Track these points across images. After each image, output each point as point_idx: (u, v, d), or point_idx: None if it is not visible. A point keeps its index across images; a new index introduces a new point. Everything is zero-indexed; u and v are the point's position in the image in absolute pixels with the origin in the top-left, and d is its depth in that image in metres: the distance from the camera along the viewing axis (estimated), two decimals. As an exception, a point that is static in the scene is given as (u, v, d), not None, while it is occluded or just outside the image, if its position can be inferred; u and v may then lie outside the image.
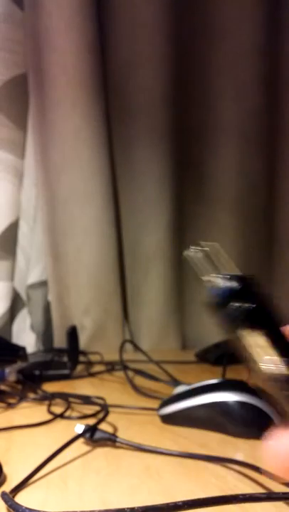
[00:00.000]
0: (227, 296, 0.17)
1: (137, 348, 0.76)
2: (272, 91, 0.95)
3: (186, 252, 0.19)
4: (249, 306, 0.17)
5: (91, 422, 0.44)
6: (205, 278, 0.18)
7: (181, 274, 0.97)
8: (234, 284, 0.18)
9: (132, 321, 0.96)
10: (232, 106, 0.93)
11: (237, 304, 0.17)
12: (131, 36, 0.90)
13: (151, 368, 0.66)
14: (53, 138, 0.87)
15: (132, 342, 0.84)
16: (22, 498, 0.31)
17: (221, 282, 0.18)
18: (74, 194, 0.89)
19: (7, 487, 0.33)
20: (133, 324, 0.96)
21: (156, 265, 0.94)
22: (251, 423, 0.42)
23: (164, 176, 0.93)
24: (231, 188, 0.95)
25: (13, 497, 0.31)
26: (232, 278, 0.18)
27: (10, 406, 0.53)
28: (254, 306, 0.17)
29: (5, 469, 0.35)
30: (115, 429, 0.45)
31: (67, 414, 0.50)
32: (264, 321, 0.17)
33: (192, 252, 0.19)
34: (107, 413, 0.48)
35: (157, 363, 0.67)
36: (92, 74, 0.87)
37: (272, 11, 0.92)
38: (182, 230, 0.96)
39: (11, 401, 0.54)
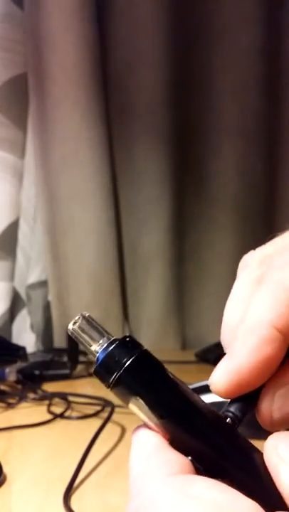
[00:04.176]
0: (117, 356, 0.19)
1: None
2: (272, 91, 0.95)
3: (70, 326, 0.20)
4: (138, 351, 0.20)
5: (91, 421, 0.44)
6: (94, 347, 0.20)
7: (181, 274, 0.97)
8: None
9: (132, 321, 0.96)
10: (232, 106, 0.93)
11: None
12: (131, 36, 0.90)
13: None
14: (53, 138, 0.87)
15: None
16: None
17: (109, 347, 0.20)
18: (74, 194, 0.88)
19: (7, 487, 0.33)
20: (133, 324, 0.96)
21: (156, 265, 0.94)
22: (251, 423, 0.42)
23: (164, 175, 0.93)
24: (231, 188, 0.95)
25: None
26: (114, 341, 0.20)
27: (10, 406, 0.53)
28: (141, 351, 0.20)
29: (5, 469, 0.35)
30: (121, 428, 0.45)
31: (67, 414, 0.50)
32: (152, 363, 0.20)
33: (76, 324, 0.20)
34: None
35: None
36: (92, 74, 0.87)
37: (272, 11, 0.92)
38: (182, 230, 0.96)
39: (11, 401, 0.54)
